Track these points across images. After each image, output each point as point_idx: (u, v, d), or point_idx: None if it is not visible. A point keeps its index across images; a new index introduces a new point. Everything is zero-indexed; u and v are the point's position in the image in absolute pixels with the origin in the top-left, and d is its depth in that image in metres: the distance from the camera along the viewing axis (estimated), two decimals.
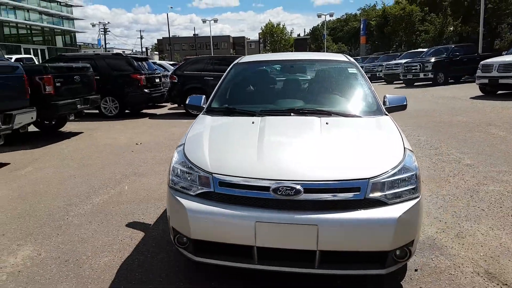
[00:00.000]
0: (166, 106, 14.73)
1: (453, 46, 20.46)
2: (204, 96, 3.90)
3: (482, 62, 13.22)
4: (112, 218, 3.91)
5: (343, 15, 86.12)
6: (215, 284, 2.68)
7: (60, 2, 51.22)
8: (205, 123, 3.25)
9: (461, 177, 4.86)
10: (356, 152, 2.59)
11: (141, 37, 78.72)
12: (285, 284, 2.65)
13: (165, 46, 79.60)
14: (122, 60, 11.56)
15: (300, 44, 65.43)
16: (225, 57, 13.06)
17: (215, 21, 58.91)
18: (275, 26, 72.58)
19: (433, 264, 2.87)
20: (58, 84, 7.43)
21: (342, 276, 2.64)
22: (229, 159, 2.58)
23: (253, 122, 3.07)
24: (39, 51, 44.83)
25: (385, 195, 2.30)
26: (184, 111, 12.11)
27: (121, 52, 13.68)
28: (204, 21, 59.63)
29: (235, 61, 4.35)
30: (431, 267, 2.83)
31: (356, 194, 2.27)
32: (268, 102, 3.78)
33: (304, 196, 2.26)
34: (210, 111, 3.57)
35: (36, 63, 21.07)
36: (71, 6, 54.90)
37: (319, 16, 54.42)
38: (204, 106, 3.73)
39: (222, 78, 4.06)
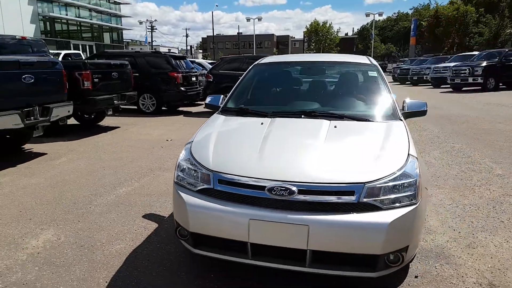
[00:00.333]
0: (202, 104, 15.04)
1: (507, 50, 19.30)
2: (223, 96, 4.01)
3: None
4: (131, 209, 4.11)
5: (394, 13, 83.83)
6: (214, 275, 2.78)
7: (109, 0, 53.45)
8: (216, 122, 3.35)
9: (487, 187, 4.67)
10: (356, 156, 2.60)
11: (187, 35, 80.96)
12: (280, 282, 2.70)
13: (209, 44, 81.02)
14: (160, 58, 11.92)
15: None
16: (260, 57, 13.14)
17: (259, 19, 59.32)
18: (321, 24, 71.95)
19: (435, 272, 2.82)
20: (96, 80, 7.83)
21: (337, 277, 2.66)
22: (230, 158, 2.67)
23: (262, 123, 3.13)
24: (87, 47, 47.18)
25: (380, 200, 2.30)
26: None
27: (167, 50, 14.12)
28: (248, 20, 60.22)
29: (256, 62, 4.42)
30: (432, 275, 2.78)
31: (350, 197, 2.29)
32: (283, 104, 3.83)
33: (298, 197, 2.31)
34: (225, 111, 3.66)
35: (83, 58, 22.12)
36: (120, 3, 57.15)
37: (367, 15, 53.40)
38: (221, 105, 3.83)
39: (241, 78, 4.15)
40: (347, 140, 2.89)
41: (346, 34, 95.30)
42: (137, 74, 11.02)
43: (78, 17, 47.67)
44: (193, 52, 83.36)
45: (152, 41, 64.46)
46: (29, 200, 4.38)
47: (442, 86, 22.48)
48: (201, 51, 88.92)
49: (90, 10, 49.85)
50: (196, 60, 19.36)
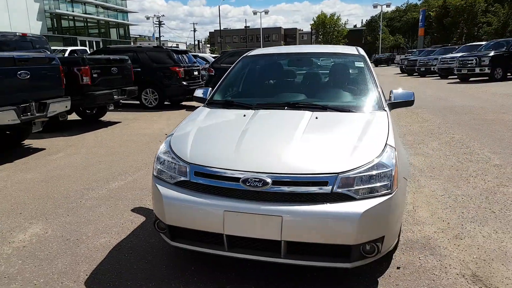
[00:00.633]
0: None
1: None
2: (211, 88, 3.98)
3: None
4: (121, 202, 4.13)
5: (403, 4, 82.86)
6: (195, 268, 2.78)
7: None
8: (200, 115, 3.34)
9: (482, 178, 4.60)
10: (333, 147, 2.57)
11: (194, 30, 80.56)
12: (259, 274, 2.70)
13: (217, 38, 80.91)
14: (162, 53, 11.92)
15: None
16: None
17: (266, 12, 59.02)
18: (328, 16, 71.39)
19: (418, 263, 2.78)
20: (95, 75, 7.86)
21: (317, 268, 2.65)
22: (207, 151, 2.65)
23: (244, 115, 3.11)
24: (94, 43, 47.32)
25: (354, 190, 2.27)
26: None
27: (175, 45, 14.13)
28: (255, 13, 60.00)
29: (244, 54, 4.39)
30: (415, 266, 2.75)
31: (323, 187, 2.26)
32: (269, 96, 3.80)
33: (271, 188, 2.29)
34: (211, 104, 3.64)
35: None
36: None
37: (375, 6, 52.84)
38: (207, 98, 3.81)
39: (229, 70, 4.12)
40: (325, 131, 2.85)
41: (355, 26, 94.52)
42: (139, 69, 11.08)
43: (84, 13, 47.82)
44: (201, 47, 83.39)
45: (160, 36, 64.59)
46: (21, 195, 4.43)
47: (449, 77, 22.14)
48: (208, 45, 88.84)
49: (96, 6, 49.97)
50: (200, 54, 19.35)
